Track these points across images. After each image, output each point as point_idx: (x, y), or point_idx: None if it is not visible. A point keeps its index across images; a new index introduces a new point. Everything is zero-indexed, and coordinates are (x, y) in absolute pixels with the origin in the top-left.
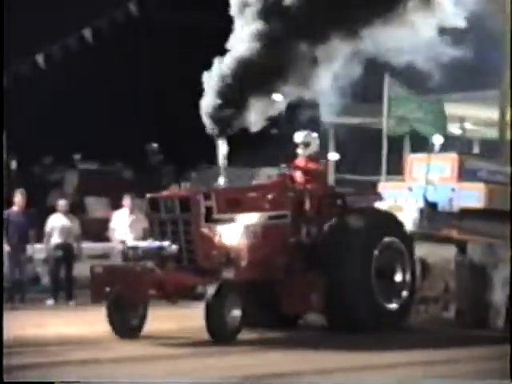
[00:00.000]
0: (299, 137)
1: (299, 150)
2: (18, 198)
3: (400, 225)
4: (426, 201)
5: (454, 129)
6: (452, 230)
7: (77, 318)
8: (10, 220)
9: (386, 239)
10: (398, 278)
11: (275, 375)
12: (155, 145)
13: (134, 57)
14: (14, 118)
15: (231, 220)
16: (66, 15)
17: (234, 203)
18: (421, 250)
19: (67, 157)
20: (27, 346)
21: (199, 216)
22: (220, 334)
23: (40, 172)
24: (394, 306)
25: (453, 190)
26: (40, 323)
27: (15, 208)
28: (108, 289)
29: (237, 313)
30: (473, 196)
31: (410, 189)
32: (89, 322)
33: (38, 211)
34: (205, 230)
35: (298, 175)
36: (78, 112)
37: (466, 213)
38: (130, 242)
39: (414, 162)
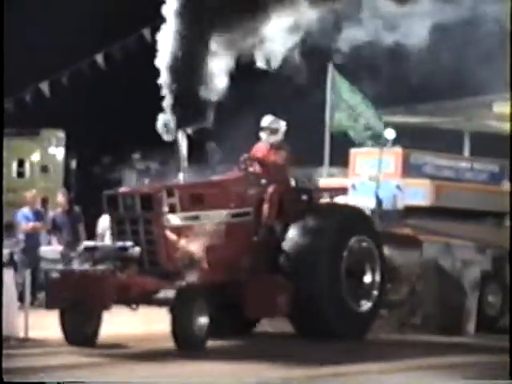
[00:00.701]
0: (266, 121)
1: (263, 135)
2: (60, 198)
3: (369, 221)
4: (377, 200)
5: None
6: (405, 230)
7: (133, 318)
8: (56, 222)
9: (356, 238)
10: (368, 278)
11: None
12: (214, 144)
13: None
14: (74, 117)
15: (194, 218)
16: (126, 15)
17: (198, 200)
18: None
19: (126, 156)
20: None
21: (162, 215)
22: (187, 343)
23: (99, 172)
24: (363, 308)
25: (397, 186)
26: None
27: (59, 209)
28: (65, 294)
29: (204, 320)
30: (418, 193)
31: (354, 186)
32: (146, 322)
33: (99, 211)
34: (167, 230)
35: (257, 168)
36: (137, 111)
37: (413, 211)
38: (87, 243)
39: (358, 157)
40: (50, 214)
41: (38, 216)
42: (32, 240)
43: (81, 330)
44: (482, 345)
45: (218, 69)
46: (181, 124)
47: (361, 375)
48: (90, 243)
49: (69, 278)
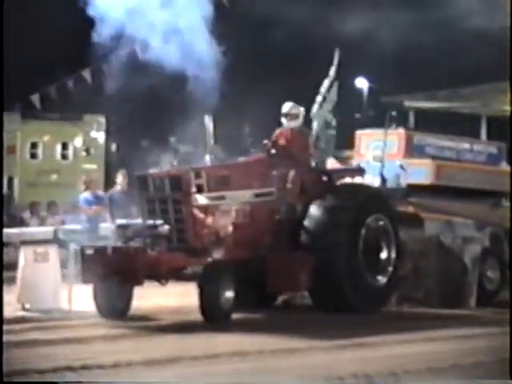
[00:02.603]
0: (286, 107)
1: (283, 121)
2: (120, 179)
3: (385, 201)
4: (382, 179)
5: None
6: (408, 207)
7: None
8: (113, 200)
9: (373, 216)
10: (384, 255)
11: None
12: (248, 128)
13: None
14: (114, 102)
15: (220, 198)
16: None
17: (223, 181)
18: None
19: (164, 140)
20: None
21: (190, 195)
22: (214, 316)
23: (138, 155)
24: (380, 283)
25: (401, 166)
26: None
27: (118, 187)
28: (99, 270)
29: (230, 294)
30: (420, 172)
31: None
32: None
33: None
34: (195, 209)
35: (280, 151)
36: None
37: (415, 189)
38: (120, 221)
39: (363, 138)
40: (100, 193)
41: (99, 199)
42: (93, 222)
43: (113, 304)
44: (485, 317)
45: None
46: None
47: (382, 346)
48: (123, 221)
49: (102, 254)
